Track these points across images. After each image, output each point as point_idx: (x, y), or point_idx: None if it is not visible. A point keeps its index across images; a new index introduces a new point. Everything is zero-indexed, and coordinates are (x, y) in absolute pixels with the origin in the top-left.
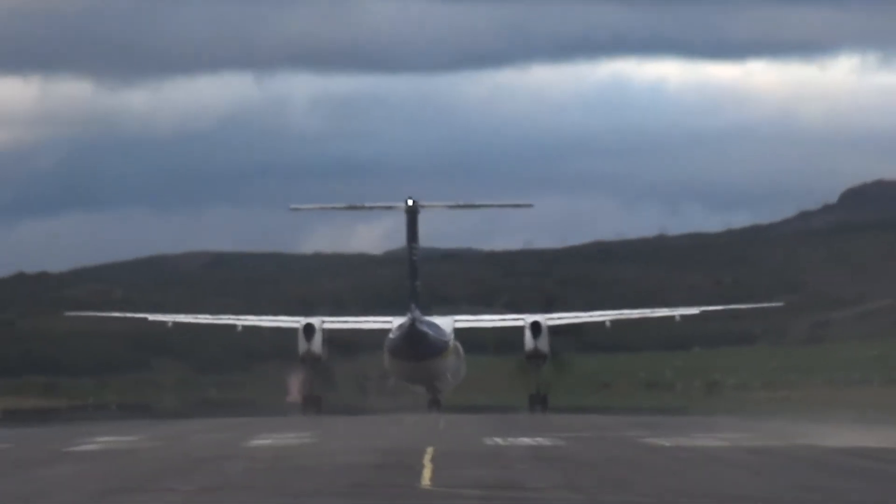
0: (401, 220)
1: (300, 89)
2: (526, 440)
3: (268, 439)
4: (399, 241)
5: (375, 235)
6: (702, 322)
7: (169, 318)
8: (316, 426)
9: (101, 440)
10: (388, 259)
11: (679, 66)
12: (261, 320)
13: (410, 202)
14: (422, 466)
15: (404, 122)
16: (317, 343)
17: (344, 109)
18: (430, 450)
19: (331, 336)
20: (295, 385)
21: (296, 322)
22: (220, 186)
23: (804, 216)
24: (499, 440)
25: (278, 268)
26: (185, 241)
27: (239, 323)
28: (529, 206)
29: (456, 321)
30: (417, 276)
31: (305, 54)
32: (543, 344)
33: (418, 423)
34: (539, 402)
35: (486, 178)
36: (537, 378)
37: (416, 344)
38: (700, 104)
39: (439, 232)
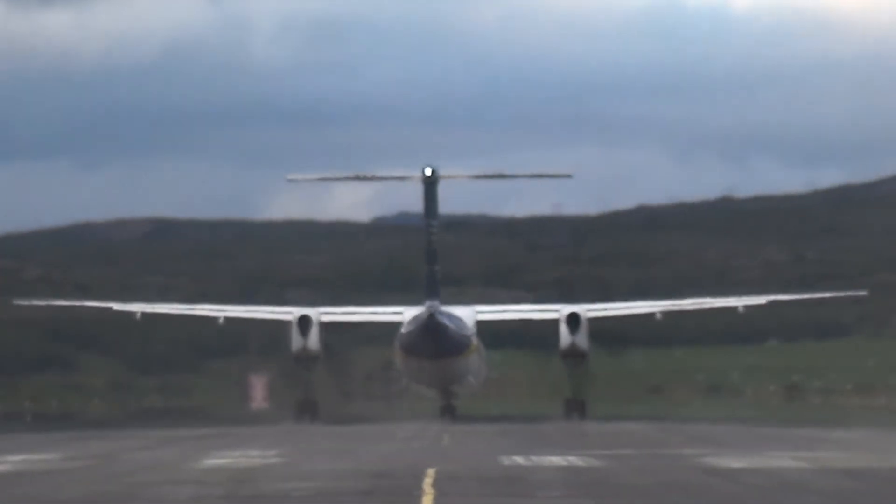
0: (388, 180)
1: (264, 11)
2: (554, 459)
3: (224, 458)
4: (389, 206)
5: (359, 199)
6: (777, 309)
7: (137, 307)
8: (287, 441)
9: (12, 459)
10: (376, 228)
11: None
12: (249, 311)
13: (429, 171)
14: (420, 493)
15: (396, 54)
16: (313, 338)
17: (319, 36)
18: (431, 472)
19: (329, 330)
20: (259, 388)
21: (288, 313)
22: (163, 135)
23: None
24: (519, 459)
25: (237, 238)
26: (119, 205)
27: (221, 315)
28: (568, 176)
29: (478, 312)
30: (437, 261)
31: None
32: (582, 340)
33: (417, 435)
34: (576, 408)
35: (500, 125)
36: (574, 380)
37: (435, 340)
38: (774, 32)
39: (445, 192)
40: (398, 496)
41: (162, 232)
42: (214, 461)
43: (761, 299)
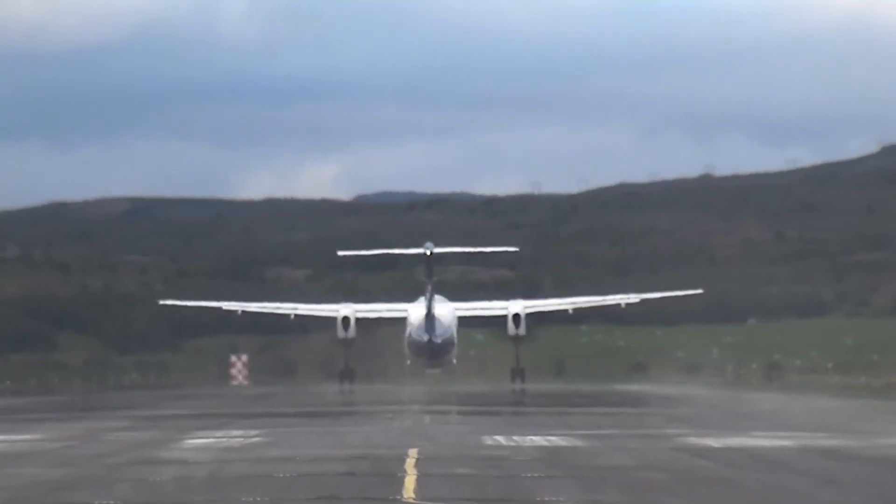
0: (368, 158)
1: None
2: (536, 439)
3: (206, 438)
4: (369, 184)
5: (339, 177)
6: (759, 286)
7: (237, 306)
8: (268, 423)
9: None
10: (357, 206)
11: None
12: (311, 309)
13: (428, 252)
14: (403, 474)
15: (368, 32)
16: (351, 330)
17: (292, 14)
18: (413, 453)
19: (360, 322)
20: (239, 366)
21: (336, 311)
22: (137, 114)
23: (888, 151)
24: (501, 439)
25: (215, 217)
26: (96, 183)
27: (293, 312)
28: (515, 250)
29: (457, 310)
30: (433, 307)
31: None
32: (522, 329)
33: (399, 416)
34: (519, 374)
35: (477, 102)
36: (517, 355)
37: (432, 352)
38: (751, 7)
39: (423, 171)
40: (382, 476)
41: (140, 211)
42: (196, 441)
43: (634, 297)
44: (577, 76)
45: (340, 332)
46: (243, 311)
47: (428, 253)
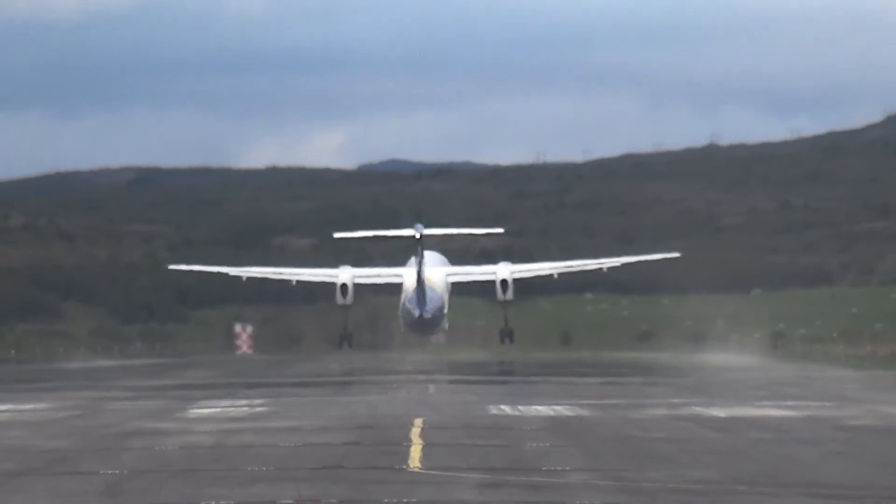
0: (373, 128)
1: None
2: (541, 409)
3: (211, 408)
4: (374, 153)
5: (344, 145)
6: (764, 256)
7: (241, 271)
8: (273, 392)
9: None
10: (362, 175)
11: None
12: (312, 273)
13: (418, 234)
14: (409, 443)
15: (373, 3)
16: (350, 296)
17: None
18: (418, 422)
19: (359, 287)
20: (243, 336)
21: (335, 276)
22: (142, 84)
23: (893, 121)
24: (507, 409)
25: (221, 186)
26: (102, 153)
27: (294, 278)
28: (500, 232)
29: (448, 275)
30: (423, 281)
31: None
32: (509, 294)
33: (404, 385)
34: (507, 335)
35: (482, 71)
36: (506, 318)
37: (424, 326)
38: None
39: (429, 140)
40: (387, 445)
41: (145, 180)
42: (201, 410)
43: (616, 261)
44: (582, 46)
45: (339, 299)
46: (248, 278)
47: (417, 235)
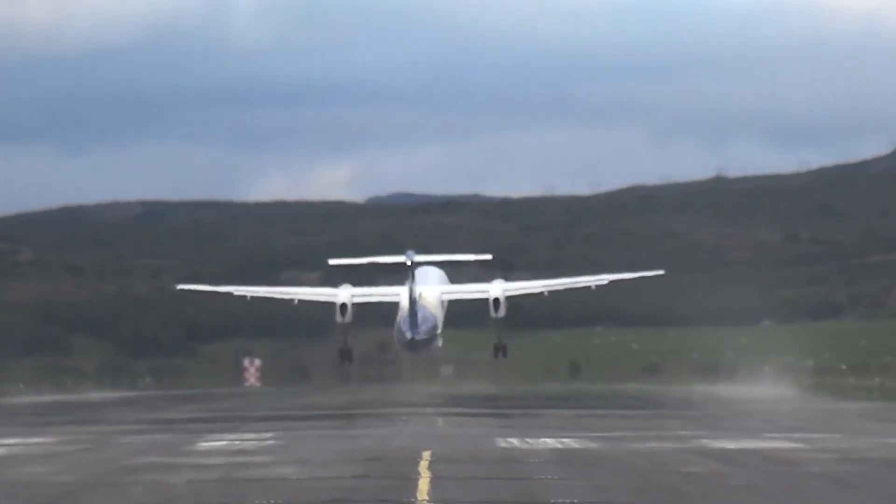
0: (381, 161)
1: None
2: (549, 441)
3: (220, 441)
4: (383, 186)
5: (352, 179)
6: (772, 288)
7: (247, 291)
8: (282, 425)
9: (6, 443)
10: (371, 208)
11: None
12: (314, 293)
13: (409, 261)
14: (417, 476)
15: (379, 35)
16: (348, 314)
17: (302, 18)
18: (427, 455)
19: (357, 306)
20: (252, 369)
21: (335, 296)
22: (148, 118)
23: None
24: (515, 441)
25: (228, 219)
26: (110, 187)
27: (295, 297)
28: (488, 258)
29: (443, 294)
30: (415, 303)
31: None
32: (501, 311)
33: (412, 418)
34: (501, 349)
35: (490, 104)
36: (498, 333)
37: (417, 348)
38: (761, 10)
39: (437, 173)
40: (395, 478)
41: (153, 214)
42: (211, 444)
43: (604, 279)
44: (589, 79)
45: (338, 318)
46: (253, 299)
47: (408, 262)
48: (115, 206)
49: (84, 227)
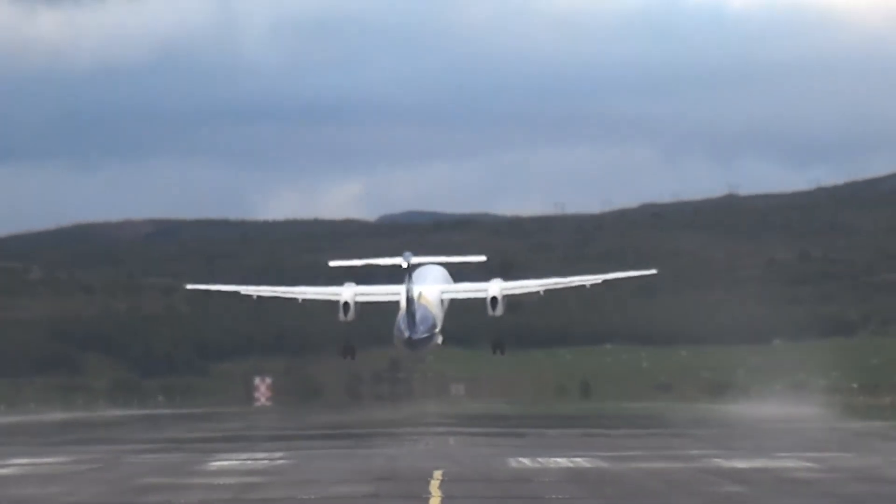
0: (393, 179)
1: (258, 10)
2: (561, 461)
3: (231, 461)
4: (395, 204)
5: (361, 197)
6: (784, 306)
7: (254, 290)
8: (293, 445)
9: (18, 462)
10: (382, 226)
11: None
12: (317, 292)
13: (405, 263)
14: (428, 495)
15: (390, 52)
16: (352, 313)
17: (314, 36)
18: (438, 474)
19: (361, 305)
20: (262, 388)
21: (338, 295)
22: (159, 136)
23: None
24: (526, 461)
25: (240, 238)
26: (121, 205)
27: (301, 296)
28: (482, 259)
29: (443, 293)
30: (412, 304)
31: None
32: (499, 310)
33: (424, 439)
34: (499, 346)
35: (500, 122)
36: (496, 330)
37: (415, 346)
38: (771, 30)
39: (448, 191)
40: (407, 498)
41: (165, 232)
42: (221, 463)
43: (598, 278)
44: (600, 96)
45: (341, 316)
46: (258, 296)
47: (405, 264)
48: (126, 225)
49: (95, 245)
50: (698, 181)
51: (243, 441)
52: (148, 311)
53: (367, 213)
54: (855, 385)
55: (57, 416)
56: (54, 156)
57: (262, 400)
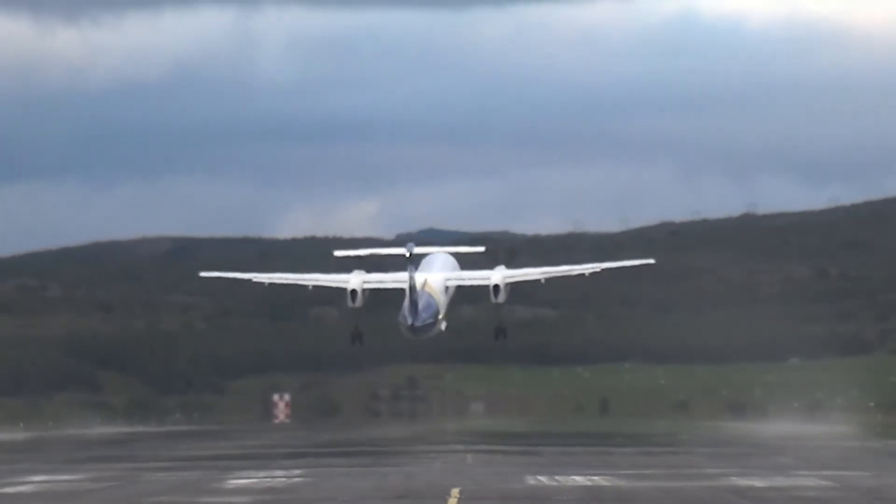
0: (410, 197)
1: (274, 27)
2: (579, 479)
3: (248, 478)
4: (413, 222)
5: (379, 215)
6: (801, 325)
7: (266, 277)
8: (311, 462)
9: (35, 480)
10: (400, 244)
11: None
12: (329, 279)
13: (408, 253)
14: None
15: (407, 70)
16: (359, 299)
17: (332, 52)
18: (455, 492)
19: (369, 292)
20: (281, 405)
21: (346, 282)
22: (177, 154)
23: None
24: (544, 479)
25: (258, 256)
26: (138, 223)
27: (311, 283)
28: (481, 250)
29: (447, 280)
30: (415, 292)
31: None
32: (502, 298)
33: (441, 457)
34: (501, 332)
35: (518, 140)
36: (499, 318)
37: (418, 333)
38: (790, 47)
39: (466, 209)
40: None
41: (182, 250)
42: (239, 481)
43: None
44: (618, 115)
45: (349, 303)
46: (270, 283)
47: (408, 254)
48: (144, 242)
49: (113, 262)
50: (716, 199)
51: (261, 459)
52: (166, 328)
53: (385, 231)
54: (872, 403)
55: (75, 433)
56: (72, 173)
57: (281, 417)
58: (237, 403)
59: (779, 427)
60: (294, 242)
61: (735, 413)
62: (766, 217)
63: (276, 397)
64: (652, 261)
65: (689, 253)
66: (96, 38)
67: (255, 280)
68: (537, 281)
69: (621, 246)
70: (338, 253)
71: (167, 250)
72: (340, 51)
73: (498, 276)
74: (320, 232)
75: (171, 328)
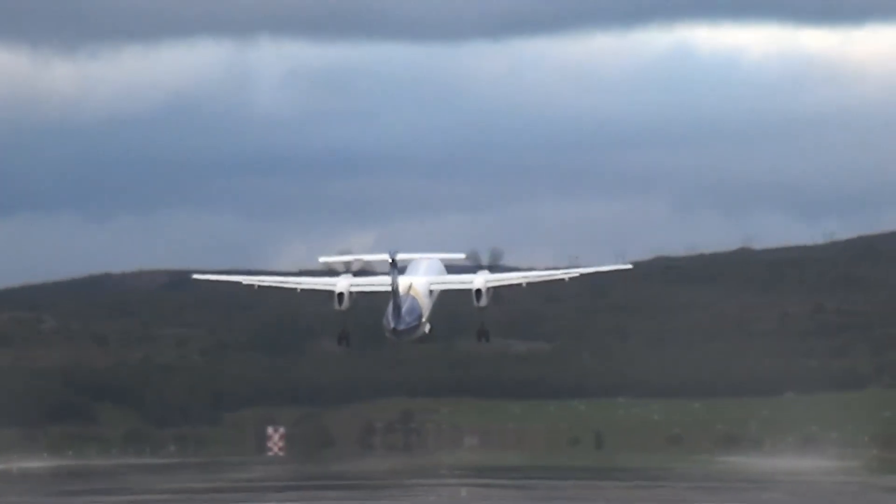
0: (405, 230)
1: (270, 60)
2: None
3: None
4: (408, 249)
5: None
6: (797, 359)
7: (256, 280)
8: (304, 496)
9: None
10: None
11: (759, 34)
12: (316, 282)
13: (391, 258)
14: None
15: (402, 105)
16: (346, 302)
17: (328, 86)
18: None
19: (356, 295)
20: (275, 438)
21: (333, 285)
22: (172, 187)
23: None
24: None
25: (254, 289)
26: (134, 256)
27: (298, 286)
28: (462, 256)
29: (431, 284)
30: (398, 296)
31: (278, 16)
32: (483, 301)
33: (435, 491)
34: (483, 334)
35: (512, 175)
36: (482, 320)
37: (402, 334)
38: (787, 81)
39: (461, 242)
40: None
41: (178, 283)
42: None
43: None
44: (613, 149)
45: (336, 305)
46: (259, 286)
47: (391, 259)
48: (140, 275)
49: (109, 295)
50: (712, 234)
51: (256, 491)
52: (161, 361)
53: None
54: (866, 438)
55: (70, 464)
56: (68, 206)
57: (275, 450)
58: (232, 436)
59: (773, 461)
60: (289, 275)
61: (729, 447)
62: (761, 252)
63: (270, 430)
64: (629, 266)
65: (684, 287)
66: (93, 70)
67: (244, 283)
68: (519, 285)
69: (616, 280)
70: (323, 259)
71: (163, 283)
72: (336, 85)
73: (480, 280)
74: (315, 265)
75: (167, 361)
